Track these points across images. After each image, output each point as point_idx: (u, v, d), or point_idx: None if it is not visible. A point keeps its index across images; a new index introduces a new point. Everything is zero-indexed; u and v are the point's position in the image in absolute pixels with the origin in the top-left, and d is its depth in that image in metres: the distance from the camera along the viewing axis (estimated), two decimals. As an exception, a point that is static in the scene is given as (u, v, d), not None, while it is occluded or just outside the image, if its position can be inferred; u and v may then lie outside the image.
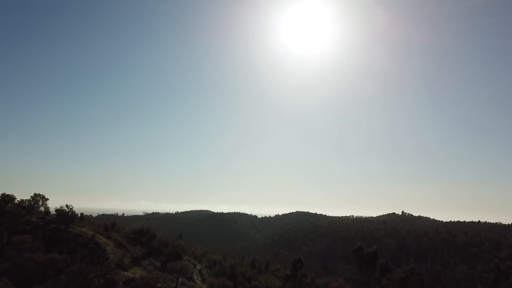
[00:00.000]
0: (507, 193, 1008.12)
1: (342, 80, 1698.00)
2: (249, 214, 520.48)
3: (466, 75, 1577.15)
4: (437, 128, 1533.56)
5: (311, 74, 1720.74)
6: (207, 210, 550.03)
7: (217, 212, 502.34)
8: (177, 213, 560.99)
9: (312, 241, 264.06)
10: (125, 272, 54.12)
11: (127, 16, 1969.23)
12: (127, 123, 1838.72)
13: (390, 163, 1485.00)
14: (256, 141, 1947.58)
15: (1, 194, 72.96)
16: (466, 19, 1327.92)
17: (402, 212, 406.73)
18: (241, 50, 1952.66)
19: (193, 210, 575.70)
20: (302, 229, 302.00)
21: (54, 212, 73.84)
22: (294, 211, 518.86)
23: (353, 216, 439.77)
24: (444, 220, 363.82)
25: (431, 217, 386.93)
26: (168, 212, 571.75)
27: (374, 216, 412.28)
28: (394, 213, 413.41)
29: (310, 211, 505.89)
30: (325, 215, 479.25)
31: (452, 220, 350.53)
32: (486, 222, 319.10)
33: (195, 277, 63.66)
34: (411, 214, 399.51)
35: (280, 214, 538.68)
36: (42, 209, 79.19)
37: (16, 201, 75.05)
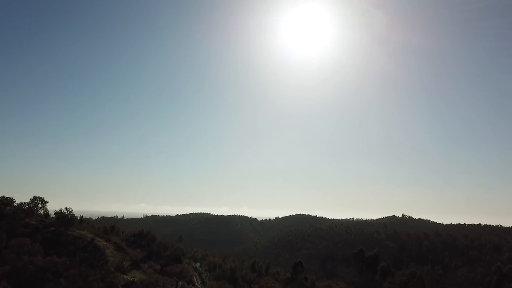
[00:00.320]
0: (507, 196, 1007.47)
1: (343, 82, 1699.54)
2: (249, 216, 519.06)
3: (463, 76, 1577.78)
4: (438, 130, 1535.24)
5: (312, 76, 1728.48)
6: (207, 213, 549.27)
7: (217, 215, 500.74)
8: (177, 215, 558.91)
9: (312, 244, 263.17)
10: (124, 276, 53.72)
11: (131, 22, 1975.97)
12: (127, 127, 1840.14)
13: (390, 166, 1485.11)
14: (256, 144, 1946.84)
15: (0, 197, 72.50)
16: (461, 22, 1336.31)
17: (402, 214, 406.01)
18: (242, 52, 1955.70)
19: (193, 213, 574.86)
20: (302, 232, 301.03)
21: (54, 215, 73.34)
22: (294, 214, 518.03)
23: (353, 218, 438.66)
24: (444, 223, 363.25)
25: (431, 220, 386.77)
26: (168, 214, 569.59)
27: (374, 219, 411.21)
28: (394, 215, 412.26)
29: (310, 214, 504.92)
30: (325, 217, 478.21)
31: (453, 223, 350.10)
32: (486, 224, 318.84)
33: (195, 281, 63.22)
34: (411, 217, 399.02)
35: (280, 216, 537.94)
36: (42, 212, 78.60)
37: (15, 203, 74.57)
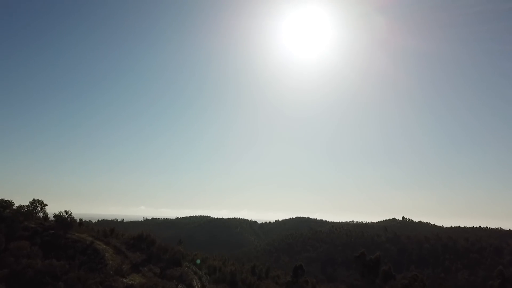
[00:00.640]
0: (507, 199, 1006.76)
1: (343, 84, 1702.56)
2: (249, 219, 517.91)
3: (463, 79, 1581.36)
4: (438, 133, 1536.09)
5: (312, 78, 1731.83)
6: (207, 216, 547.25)
7: (217, 218, 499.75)
8: (177, 218, 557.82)
9: (313, 247, 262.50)
10: (124, 279, 53.33)
11: (132, 24, 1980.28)
12: (127, 130, 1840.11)
13: (390, 169, 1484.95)
14: (256, 147, 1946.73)
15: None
16: (460, 26, 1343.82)
17: (403, 217, 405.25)
18: (242, 55, 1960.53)
19: (193, 216, 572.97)
20: (302, 235, 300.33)
21: (53, 218, 72.94)
22: (294, 217, 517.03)
23: (353, 221, 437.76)
24: (444, 226, 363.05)
25: (432, 223, 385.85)
26: (168, 217, 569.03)
27: (375, 222, 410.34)
28: (394, 218, 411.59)
29: (310, 217, 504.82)
30: (325, 220, 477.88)
31: (453, 226, 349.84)
32: (487, 227, 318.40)
33: (195, 284, 62.78)
34: (411, 220, 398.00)
35: (280, 219, 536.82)
36: (41, 214, 78.19)
37: (14, 206, 74.24)
